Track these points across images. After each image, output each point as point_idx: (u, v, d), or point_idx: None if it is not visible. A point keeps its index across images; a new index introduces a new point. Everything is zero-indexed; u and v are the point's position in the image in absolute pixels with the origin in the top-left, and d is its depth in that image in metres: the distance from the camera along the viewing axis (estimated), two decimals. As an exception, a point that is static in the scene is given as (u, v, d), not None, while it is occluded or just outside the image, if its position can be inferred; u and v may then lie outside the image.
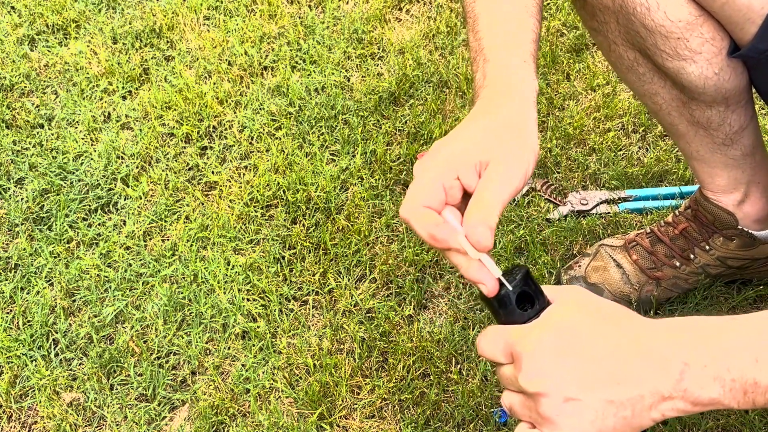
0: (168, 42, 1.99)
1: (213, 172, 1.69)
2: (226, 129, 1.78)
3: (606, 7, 1.11)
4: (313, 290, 1.48)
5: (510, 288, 0.73)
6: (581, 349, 0.66)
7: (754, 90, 1.19)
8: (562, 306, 0.71)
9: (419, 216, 0.76)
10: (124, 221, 1.61)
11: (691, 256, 1.36)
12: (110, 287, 1.50)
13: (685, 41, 1.08)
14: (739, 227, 1.31)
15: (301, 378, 1.36)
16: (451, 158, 0.78)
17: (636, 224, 1.56)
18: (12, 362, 1.40)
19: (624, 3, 1.07)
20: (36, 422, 1.34)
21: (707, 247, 1.35)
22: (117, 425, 1.33)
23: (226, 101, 1.83)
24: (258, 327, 1.42)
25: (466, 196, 0.78)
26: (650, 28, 1.08)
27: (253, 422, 1.31)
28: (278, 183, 1.64)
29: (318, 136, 1.75)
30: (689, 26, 1.07)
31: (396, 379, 1.34)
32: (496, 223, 0.74)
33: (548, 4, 2.00)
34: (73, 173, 1.70)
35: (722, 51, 1.09)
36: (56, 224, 1.60)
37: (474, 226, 0.74)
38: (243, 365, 1.38)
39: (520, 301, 0.74)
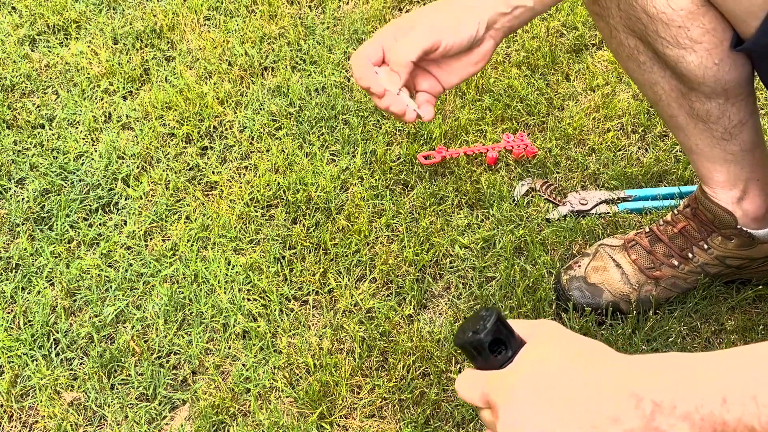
0: (168, 42, 2.00)
1: (213, 172, 1.69)
2: (226, 129, 1.79)
3: None
4: (313, 290, 1.48)
5: (482, 336, 0.75)
6: (554, 394, 0.68)
7: (758, 83, 1.19)
8: (534, 348, 0.72)
9: (358, 65, 1.01)
10: (125, 221, 1.62)
11: (690, 255, 1.36)
12: (111, 287, 1.50)
13: (686, 30, 1.08)
14: (738, 226, 1.31)
15: (301, 377, 1.37)
16: (392, 26, 1.02)
17: (635, 224, 1.56)
18: (13, 362, 1.41)
19: None
20: (37, 422, 1.35)
21: (706, 246, 1.35)
22: (118, 425, 1.33)
23: (227, 101, 1.84)
24: (258, 327, 1.42)
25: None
26: (651, 14, 1.08)
27: (253, 422, 1.32)
28: (278, 183, 1.65)
29: (318, 137, 1.75)
30: (690, 15, 1.07)
31: (396, 378, 1.34)
32: (405, 65, 0.98)
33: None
34: (74, 173, 1.70)
35: (723, 42, 1.09)
36: (57, 224, 1.60)
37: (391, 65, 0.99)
38: (243, 365, 1.39)
39: (494, 346, 0.75)
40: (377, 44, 1.01)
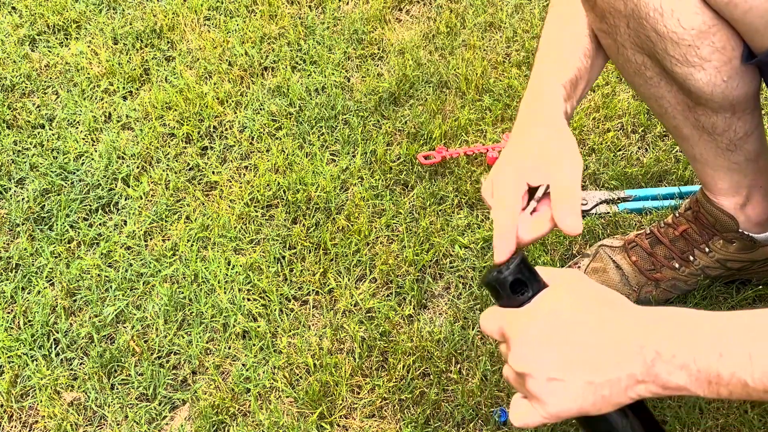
0: (168, 42, 2.00)
1: (213, 172, 1.69)
2: (226, 129, 1.79)
3: (617, 11, 1.11)
4: (313, 290, 1.48)
5: (505, 275, 0.80)
6: (564, 336, 0.73)
7: (763, 91, 1.18)
8: (552, 293, 0.78)
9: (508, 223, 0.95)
10: (125, 221, 1.62)
11: (691, 257, 1.36)
12: (111, 287, 1.50)
13: (696, 49, 1.07)
14: (740, 230, 1.31)
15: (301, 377, 1.37)
16: (518, 169, 0.95)
17: (635, 224, 1.56)
18: (13, 362, 1.41)
19: (637, 8, 1.07)
20: (37, 422, 1.35)
21: (707, 249, 1.35)
22: (118, 425, 1.33)
23: (227, 101, 1.84)
24: (258, 327, 1.42)
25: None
26: (662, 33, 1.08)
27: (253, 422, 1.32)
28: (278, 183, 1.65)
29: (318, 137, 1.75)
30: (701, 35, 1.06)
31: (396, 378, 1.34)
32: (577, 206, 0.90)
33: (548, 3, 2.01)
34: (74, 173, 1.70)
35: (732, 60, 1.08)
36: (57, 224, 1.60)
37: (564, 216, 0.88)
38: (243, 365, 1.39)
39: (515, 286, 0.81)
40: (519, 187, 0.95)
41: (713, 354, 0.69)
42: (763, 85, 1.17)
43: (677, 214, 1.38)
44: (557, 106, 1.02)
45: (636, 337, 0.72)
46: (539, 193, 0.95)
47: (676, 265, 1.37)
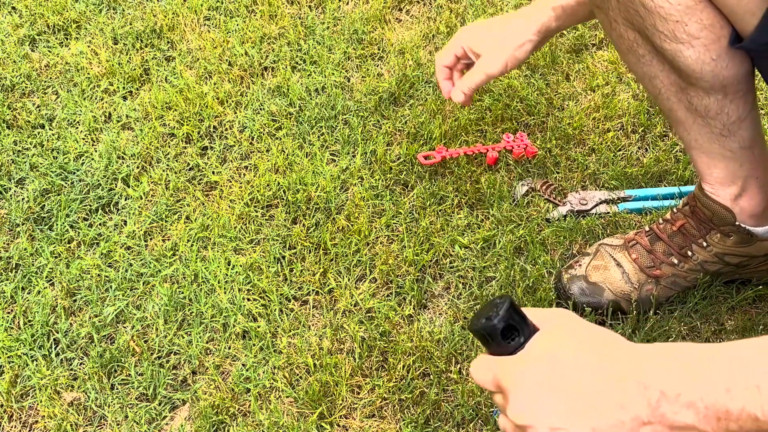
0: (168, 42, 2.00)
1: (213, 172, 1.69)
2: (226, 129, 1.79)
3: None
4: (313, 290, 1.48)
5: (495, 322, 0.77)
6: (563, 382, 0.70)
7: (759, 81, 1.19)
8: (545, 336, 0.74)
9: (438, 70, 1.53)
10: (125, 221, 1.62)
11: (689, 253, 1.36)
12: (111, 287, 1.50)
13: (684, 25, 1.08)
14: (737, 223, 1.31)
15: (301, 378, 1.37)
16: (461, 38, 1.49)
17: (635, 224, 1.56)
18: (13, 362, 1.41)
19: None
20: (37, 422, 1.35)
21: (705, 244, 1.35)
22: (118, 425, 1.33)
23: (227, 101, 1.84)
24: (258, 327, 1.42)
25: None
26: (649, 8, 1.08)
27: (253, 422, 1.32)
28: (278, 183, 1.65)
29: (318, 137, 1.75)
30: (688, 10, 1.07)
31: (396, 378, 1.34)
32: (471, 89, 1.45)
33: (548, 4, 2.01)
34: (74, 173, 1.70)
35: (721, 39, 1.09)
36: (57, 224, 1.60)
37: (455, 89, 1.48)
38: (243, 365, 1.39)
39: (506, 332, 0.77)
40: (449, 52, 1.51)
41: (720, 389, 0.65)
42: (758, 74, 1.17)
43: (675, 210, 1.39)
44: (542, 13, 1.39)
45: (638, 376, 0.68)
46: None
47: (675, 261, 1.37)
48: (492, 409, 1.30)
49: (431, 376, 1.35)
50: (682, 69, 1.14)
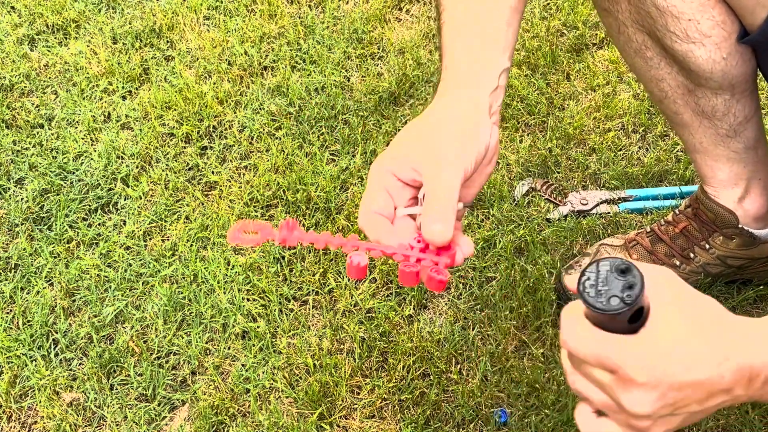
0: (168, 42, 1.99)
1: (213, 172, 1.69)
2: (226, 129, 1.78)
3: None
4: (313, 290, 1.48)
5: (630, 305, 0.66)
6: (686, 374, 0.68)
7: (760, 78, 1.18)
8: (667, 318, 0.69)
9: (371, 223, 0.81)
10: (124, 221, 1.62)
11: (691, 255, 1.36)
12: (110, 287, 1.50)
13: (696, 23, 1.08)
14: (740, 226, 1.31)
15: (301, 378, 1.36)
16: (387, 162, 0.82)
17: (636, 224, 1.56)
18: (12, 362, 1.40)
19: None
20: (36, 422, 1.34)
21: (707, 246, 1.35)
22: (117, 425, 1.33)
23: (226, 101, 1.83)
24: (258, 327, 1.42)
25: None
26: (661, 8, 1.08)
27: (253, 422, 1.31)
28: (278, 183, 1.64)
29: (318, 136, 1.75)
30: (701, 7, 1.06)
31: (396, 379, 1.34)
32: (450, 214, 0.78)
33: (548, 3, 2.00)
34: (73, 173, 1.70)
35: (731, 36, 1.09)
36: (56, 224, 1.60)
37: (430, 221, 0.77)
38: (243, 365, 1.38)
39: (637, 314, 0.68)
40: (380, 190, 0.82)
41: None
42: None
43: (677, 212, 1.38)
44: (484, 100, 0.86)
45: (744, 359, 0.68)
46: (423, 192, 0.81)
47: (677, 263, 1.37)
48: (492, 410, 1.30)
49: (431, 376, 1.35)
50: (693, 69, 1.13)
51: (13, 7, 2.09)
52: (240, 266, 1.51)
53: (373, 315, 1.43)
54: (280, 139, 1.75)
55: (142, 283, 1.50)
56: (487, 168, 0.85)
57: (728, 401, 0.70)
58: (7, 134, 1.78)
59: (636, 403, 0.68)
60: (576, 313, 0.70)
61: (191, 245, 1.55)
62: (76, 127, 1.80)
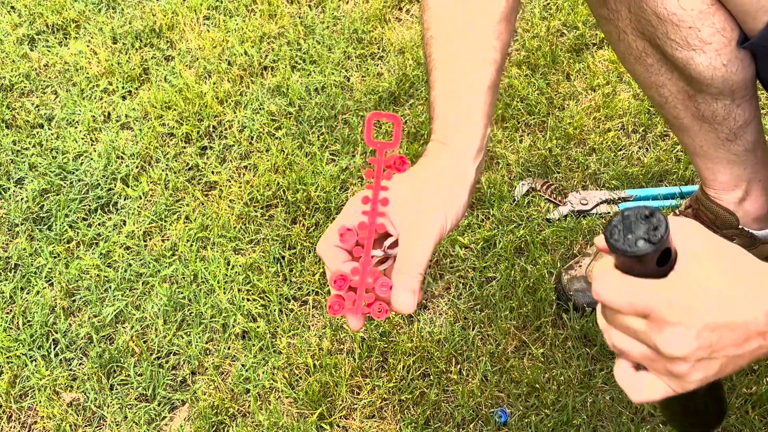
0: (168, 42, 1.99)
1: (213, 172, 1.69)
2: (226, 129, 1.78)
3: None
4: (313, 290, 1.48)
5: (657, 246, 0.67)
6: (720, 316, 0.69)
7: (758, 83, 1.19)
8: (695, 260, 0.70)
9: (331, 255, 0.82)
10: (124, 221, 1.61)
11: None
12: (110, 287, 1.50)
13: (697, 31, 1.08)
14: (740, 227, 1.31)
15: (301, 378, 1.36)
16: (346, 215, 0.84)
17: (636, 224, 1.55)
18: (12, 362, 1.40)
19: None
20: (36, 422, 1.34)
21: None
22: (117, 425, 1.33)
23: (226, 101, 1.83)
24: (258, 327, 1.42)
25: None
26: (662, 16, 1.08)
27: (253, 422, 1.31)
28: (278, 183, 1.64)
29: (318, 136, 1.75)
30: (702, 15, 1.06)
31: (396, 379, 1.34)
32: (417, 286, 0.79)
33: (548, 3, 2.00)
34: (73, 173, 1.69)
35: (732, 42, 1.09)
36: (56, 224, 1.60)
37: (397, 293, 0.79)
38: (243, 365, 1.38)
39: (664, 256, 0.69)
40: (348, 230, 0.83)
41: None
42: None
43: (677, 212, 1.38)
44: (466, 144, 0.88)
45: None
46: (389, 241, 0.83)
47: None
48: (492, 410, 1.30)
49: (431, 376, 1.35)
50: (693, 76, 1.13)
51: (13, 7, 2.09)
52: (240, 266, 1.51)
53: (373, 315, 1.43)
54: (280, 139, 1.75)
55: (142, 283, 1.50)
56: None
57: (765, 347, 0.70)
58: (7, 134, 1.78)
59: (671, 344, 0.68)
60: (607, 266, 0.71)
61: (191, 245, 1.55)
62: (76, 127, 1.80)
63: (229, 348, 1.41)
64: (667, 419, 0.77)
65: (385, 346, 1.38)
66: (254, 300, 1.47)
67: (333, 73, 1.88)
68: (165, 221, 1.60)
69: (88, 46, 1.98)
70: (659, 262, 0.68)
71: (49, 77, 1.92)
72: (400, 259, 0.80)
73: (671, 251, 0.69)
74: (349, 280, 0.79)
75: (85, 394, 1.36)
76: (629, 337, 0.72)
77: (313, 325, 1.44)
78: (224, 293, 1.47)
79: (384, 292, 0.79)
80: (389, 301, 0.80)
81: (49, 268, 1.53)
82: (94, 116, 1.81)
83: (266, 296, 1.47)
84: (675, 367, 0.70)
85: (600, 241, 0.71)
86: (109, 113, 1.83)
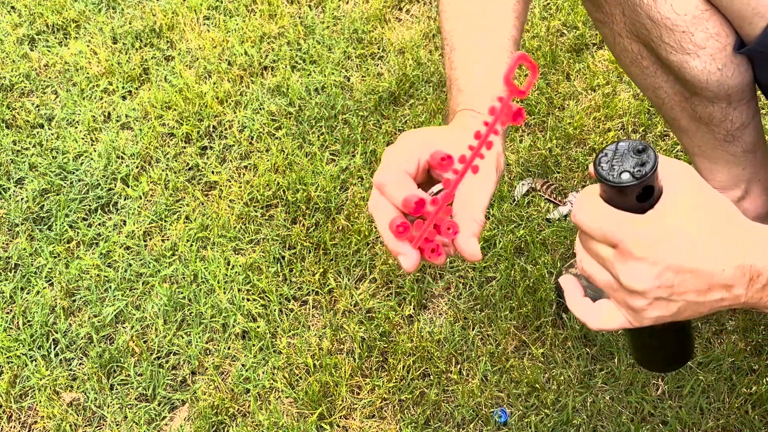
0: (168, 42, 1.99)
1: (213, 172, 1.69)
2: (226, 129, 1.78)
3: None
4: (313, 290, 1.48)
5: (640, 180, 0.68)
6: (687, 260, 0.70)
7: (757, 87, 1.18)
8: (677, 204, 0.71)
9: (400, 180, 0.80)
10: (124, 221, 1.62)
11: None
12: (110, 287, 1.50)
13: (690, 35, 1.08)
14: None
15: (301, 378, 1.36)
16: (423, 144, 0.84)
17: (636, 224, 1.56)
18: (12, 362, 1.40)
19: None
20: (36, 422, 1.34)
21: None
22: (117, 425, 1.33)
23: (226, 101, 1.83)
24: (258, 327, 1.42)
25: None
26: (656, 20, 1.08)
27: (253, 422, 1.31)
28: (278, 183, 1.64)
29: (318, 136, 1.75)
30: (695, 20, 1.06)
31: (396, 379, 1.34)
32: (479, 232, 0.81)
33: (548, 3, 2.00)
34: (73, 173, 1.70)
35: (727, 47, 1.09)
36: (56, 224, 1.60)
37: (466, 238, 0.80)
38: (243, 365, 1.38)
39: (646, 192, 0.69)
40: (413, 158, 0.82)
41: None
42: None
43: None
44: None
45: (749, 259, 0.70)
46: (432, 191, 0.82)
47: None
48: (492, 410, 1.30)
49: (431, 376, 1.35)
50: (688, 80, 1.13)
51: (13, 7, 2.09)
52: (240, 266, 1.51)
53: (373, 315, 1.43)
54: (280, 139, 1.75)
55: (142, 283, 1.50)
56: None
57: (727, 300, 0.71)
58: (7, 134, 1.78)
59: (632, 278, 0.70)
60: (592, 192, 0.72)
61: (191, 245, 1.55)
62: (76, 127, 1.80)
63: (229, 348, 1.41)
64: (630, 353, 0.79)
65: (385, 346, 1.38)
66: (254, 300, 1.47)
67: (333, 73, 1.88)
68: (165, 221, 1.60)
69: (88, 46, 1.98)
70: (640, 197, 0.69)
71: (49, 77, 1.92)
72: (460, 205, 0.81)
73: (654, 189, 0.69)
74: (424, 210, 0.76)
75: (85, 394, 1.36)
76: (597, 264, 0.74)
77: (313, 325, 1.44)
78: (224, 293, 1.47)
79: (449, 235, 0.78)
80: (447, 245, 0.80)
81: (49, 268, 1.53)
82: (94, 116, 1.81)
83: (266, 296, 1.47)
84: (633, 300, 0.71)
85: (591, 167, 0.73)
86: (109, 113, 1.83)
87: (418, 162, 0.82)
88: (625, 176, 0.68)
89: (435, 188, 0.83)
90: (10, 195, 1.67)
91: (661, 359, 0.85)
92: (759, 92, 1.20)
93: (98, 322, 1.45)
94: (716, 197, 0.72)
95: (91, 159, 1.72)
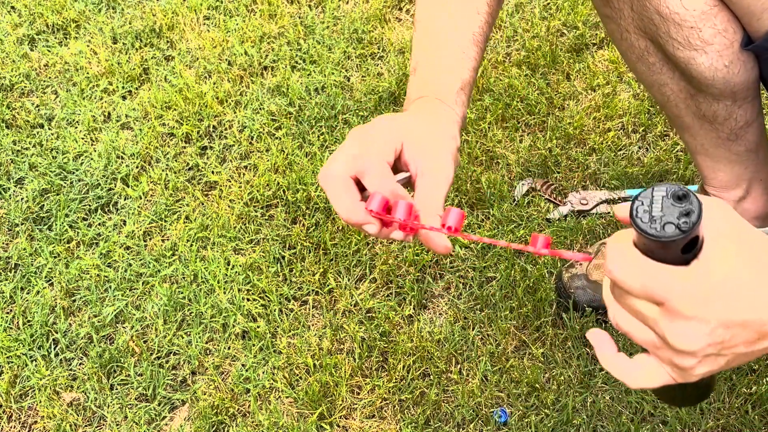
0: (168, 42, 1.99)
1: (213, 172, 1.69)
2: (226, 129, 1.78)
3: None
4: (313, 290, 1.48)
5: (687, 234, 0.61)
6: (737, 313, 0.65)
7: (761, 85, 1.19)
8: (720, 251, 0.66)
9: (381, 173, 0.83)
10: (124, 221, 1.62)
11: None
12: (110, 287, 1.50)
13: (698, 31, 1.08)
14: None
15: (301, 378, 1.36)
16: (399, 134, 0.87)
17: (636, 224, 1.56)
18: (12, 362, 1.40)
19: None
20: (36, 422, 1.34)
21: None
22: (117, 425, 1.33)
23: (226, 101, 1.83)
24: (258, 327, 1.42)
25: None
26: (664, 15, 1.08)
27: (253, 422, 1.31)
28: (278, 183, 1.64)
29: (318, 136, 1.75)
30: (704, 15, 1.06)
31: (396, 379, 1.34)
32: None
33: (548, 3, 2.00)
34: (73, 173, 1.70)
35: (734, 44, 1.09)
36: (56, 224, 1.60)
37: (434, 233, 0.81)
38: (243, 365, 1.38)
39: (691, 243, 0.63)
40: (389, 145, 0.85)
41: None
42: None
43: None
44: (451, 116, 0.93)
45: None
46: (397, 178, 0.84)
47: None
48: (492, 410, 1.30)
49: (431, 376, 1.35)
50: (694, 76, 1.13)
51: (13, 7, 2.09)
52: (240, 266, 1.51)
53: (373, 315, 1.43)
54: (280, 139, 1.75)
55: (142, 283, 1.50)
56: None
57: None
58: (7, 134, 1.78)
59: (683, 338, 0.65)
60: (625, 240, 0.66)
61: (191, 245, 1.55)
62: (76, 127, 1.80)
63: (229, 348, 1.41)
64: (654, 392, 0.75)
65: (385, 346, 1.38)
66: (254, 300, 1.47)
67: (333, 73, 1.88)
68: (165, 221, 1.60)
69: (88, 46, 1.98)
70: (684, 249, 0.63)
71: (49, 77, 1.92)
72: (420, 202, 0.83)
73: (698, 238, 0.64)
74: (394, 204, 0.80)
75: (85, 394, 1.36)
76: (636, 320, 0.68)
77: (313, 325, 1.44)
78: (224, 293, 1.47)
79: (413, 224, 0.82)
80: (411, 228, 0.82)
81: (49, 268, 1.53)
82: (94, 116, 1.81)
83: (266, 296, 1.47)
84: (681, 360, 0.67)
85: (621, 211, 0.67)
86: (109, 113, 1.83)
87: (394, 152, 0.85)
88: (670, 229, 0.62)
89: (399, 176, 0.85)
90: (10, 195, 1.67)
91: (688, 397, 0.81)
92: (763, 91, 1.20)
93: (98, 322, 1.45)
94: (760, 236, 0.68)
95: (91, 159, 1.72)
